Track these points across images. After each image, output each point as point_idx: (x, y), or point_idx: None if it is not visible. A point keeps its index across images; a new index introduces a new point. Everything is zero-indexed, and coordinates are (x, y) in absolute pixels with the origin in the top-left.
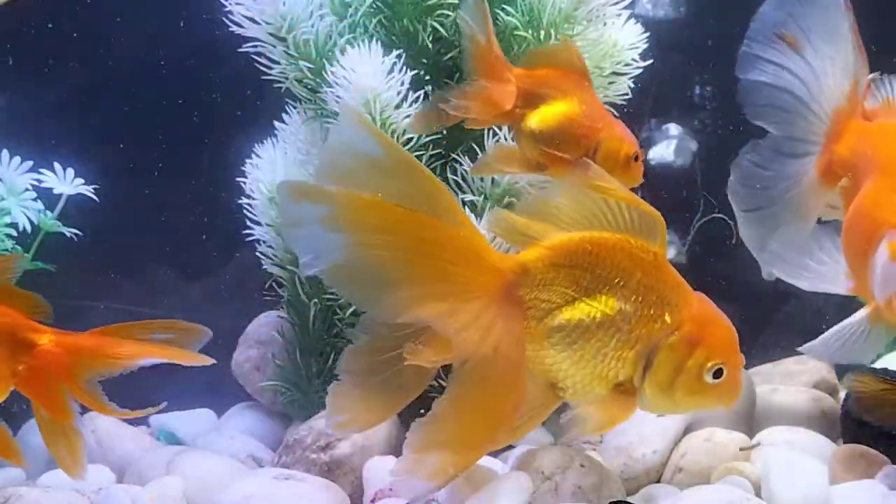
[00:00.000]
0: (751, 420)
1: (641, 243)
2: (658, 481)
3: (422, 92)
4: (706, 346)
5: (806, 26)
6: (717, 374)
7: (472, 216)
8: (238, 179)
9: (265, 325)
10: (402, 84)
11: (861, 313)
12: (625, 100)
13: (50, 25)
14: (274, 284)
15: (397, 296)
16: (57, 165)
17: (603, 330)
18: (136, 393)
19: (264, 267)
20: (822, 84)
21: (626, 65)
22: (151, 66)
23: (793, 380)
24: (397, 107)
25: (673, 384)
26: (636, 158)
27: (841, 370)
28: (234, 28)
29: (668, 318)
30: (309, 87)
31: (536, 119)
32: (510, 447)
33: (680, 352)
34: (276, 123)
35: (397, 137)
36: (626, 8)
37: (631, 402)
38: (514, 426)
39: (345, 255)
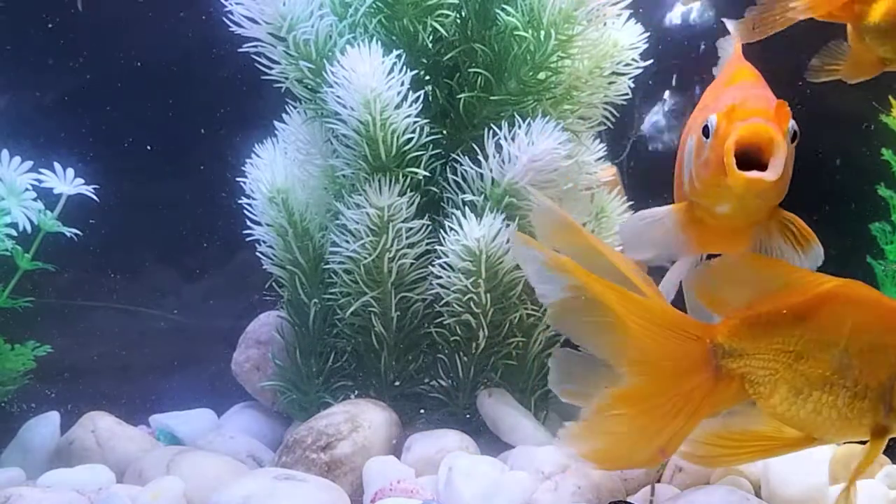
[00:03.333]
0: None
1: (861, 288)
2: (658, 481)
3: (422, 92)
4: None
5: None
6: None
7: (473, 216)
8: (238, 179)
9: (265, 325)
10: (402, 84)
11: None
12: (625, 99)
13: (50, 25)
14: (274, 284)
15: (612, 346)
16: (57, 165)
17: (825, 389)
18: (137, 393)
19: (264, 267)
20: None
21: (626, 65)
22: (152, 67)
23: None
24: (397, 107)
25: None
26: None
27: None
28: (234, 28)
29: (893, 360)
30: (309, 87)
31: (881, 12)
32: (510, 447)
33: None
34: (276, 123)
35: (397, 137)
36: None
37: (882, 441)
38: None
39: (569, 296)
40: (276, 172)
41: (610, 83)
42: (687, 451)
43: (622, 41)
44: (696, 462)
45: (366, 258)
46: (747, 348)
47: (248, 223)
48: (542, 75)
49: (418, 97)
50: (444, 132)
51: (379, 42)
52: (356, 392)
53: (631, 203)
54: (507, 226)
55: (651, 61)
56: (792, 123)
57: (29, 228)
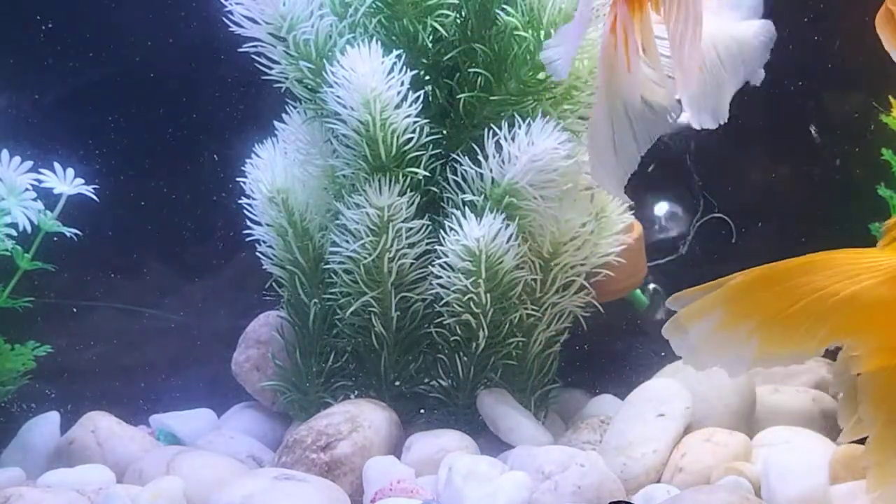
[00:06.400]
0: (751, 420)
1: None
2: (658, 481)
3: (422, 92)
4: None
5: None
6: None
7: (472, 216)
8: (238, 179)
9: (265, 325)
10: (402, 84)
11: None
12: None
13: (50, 25)
14: (274, 284)
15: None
16: (57, 165)
17: None
18: (137, 393)
19: (264, 267)
20: None
21: None
22: (151, 66)
23: (793, 380)
24: (397, 107)
25: None
26: None
27: None
28: (234, 28)
29: None
30: (309, 87)
31: None
32: (510, 447)
33: None
34: (276, 123)
35: (397, 137)
36: None
37: None
38: None
39: (757, 336)
40: (276, 172)
41: None
42: None
43: None
44: None
45: (366, 258)
46: None
47: (248, 223)
48: (542, 75)
49: (418, 97)
50: (444, 132)
51: (379, 42)
52: (356, 392)
53: (631, 202)
54: (507, 226)
55: None
56: None
57: (29, 228)
